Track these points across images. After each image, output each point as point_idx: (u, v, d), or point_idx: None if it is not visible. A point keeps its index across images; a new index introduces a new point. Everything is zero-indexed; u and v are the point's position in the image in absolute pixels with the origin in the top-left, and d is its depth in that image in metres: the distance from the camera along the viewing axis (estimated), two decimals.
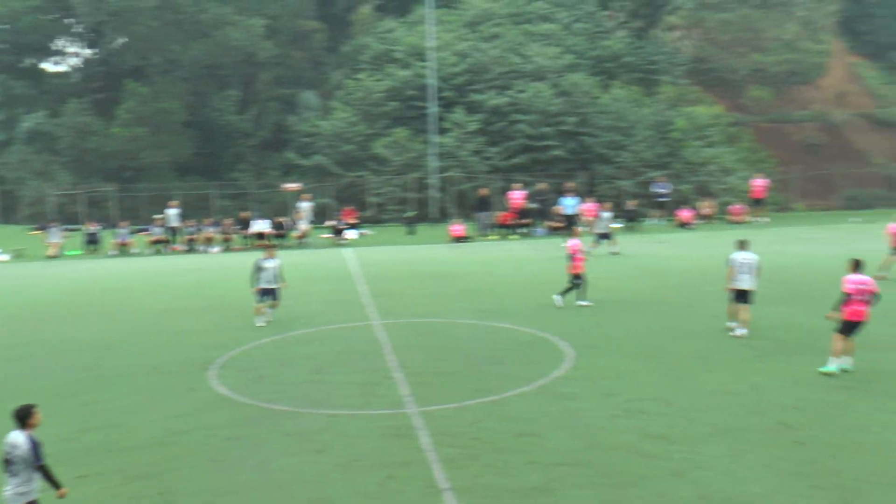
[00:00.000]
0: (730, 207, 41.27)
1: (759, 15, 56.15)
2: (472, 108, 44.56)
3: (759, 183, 41.03)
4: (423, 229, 39.25)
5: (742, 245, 18.86)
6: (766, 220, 40.04)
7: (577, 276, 21.84)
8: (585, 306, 21.57)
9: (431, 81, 43.62)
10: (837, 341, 15.49)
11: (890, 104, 53.52)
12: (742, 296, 18.46)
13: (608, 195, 40.59)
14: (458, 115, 44.21)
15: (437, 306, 22.37)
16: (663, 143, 44.70)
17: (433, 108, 43.49)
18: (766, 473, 11.11)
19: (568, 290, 21.88)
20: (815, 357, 16.38)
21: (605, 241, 31.16)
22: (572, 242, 22.13)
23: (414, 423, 13.11)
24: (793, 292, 22.54)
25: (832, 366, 15.37)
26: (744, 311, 18.52)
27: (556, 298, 21.79)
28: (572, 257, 21.86)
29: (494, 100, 44.29)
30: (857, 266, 15.75)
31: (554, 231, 37.00)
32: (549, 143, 43.41)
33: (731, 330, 18.60)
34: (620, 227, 33.73)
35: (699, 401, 14.05)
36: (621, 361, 16.51)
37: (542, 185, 39.71)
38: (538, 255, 31.68)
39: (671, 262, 28.66)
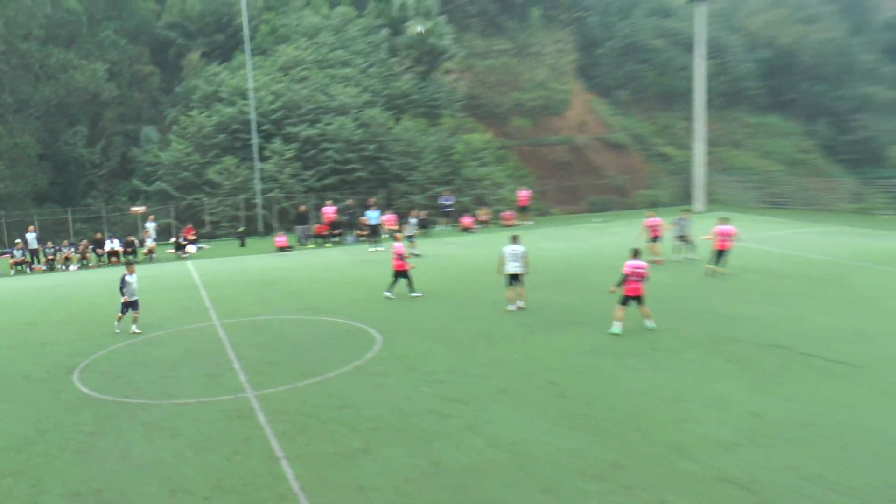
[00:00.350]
0: (502, 214, 42.43)
1: (517, 62, 58.25)
2: (288, 139, 43.84)
3: (523, 194, 42.46)
4: (252, 242, 38.26)
5: (514, 239, 19.73)
6: (531, 223, 41.45)
7: (402, 273, 21.81)
8: (390, 297, 21.66)
9: (253, 117, 42.71)
10: (619, 311, 16.62)
11: (616, 131, 56.69)
12: (514, 279, 19.38)
13: (405, 207, 40.94)
14: (277, 144, 43.42)
15: (267, 306, 21.81)
16: (447, 164, 45.48)
17: (255, 140, 42.58)
18: (539, 421, 11.53)
19: (410, 284, 21.81)
20: (574, 329, 17.16)
21: (410, 243, 31.43)
22: (397, 245, 22.17)
23: (252, 405, 12.87)
24: (554, 279, 23.33)
25: (616, 329, 16.44)
26: (518, 289, 19.46)
27: (412, 295, 21.68)
28: (397, 257, 21.86)
29: (306, 131, 43.72)
30: (636, 254, 16.95)
31: (361, 239, 36.97)
32: (354, 166, 43.28)
33: (513, 311, 19.31)
34: (416, 234, 34.02)
35: (484, 369, 14.40)
36: (421, 342, 16.70)
37: (349, 201, 39.60)
38: (350, 259, 31.52)
39: (458, 260, 29.24)
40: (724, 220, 23.56)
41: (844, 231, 32.99)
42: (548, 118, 55.90)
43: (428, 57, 50.90)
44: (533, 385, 13.28)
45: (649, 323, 16.72)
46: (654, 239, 26.08)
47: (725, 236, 22.93)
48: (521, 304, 19.45)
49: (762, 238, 30.55)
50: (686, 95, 52.99)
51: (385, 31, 52.39)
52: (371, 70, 49.72)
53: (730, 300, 19.59)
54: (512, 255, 19.23)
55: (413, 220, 32.54)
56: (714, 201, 45.66)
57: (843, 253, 26.61)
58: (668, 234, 26.68)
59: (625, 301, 16.64)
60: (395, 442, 11.00)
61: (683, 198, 46.25)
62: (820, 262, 25.20)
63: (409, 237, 31.81)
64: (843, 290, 20.46)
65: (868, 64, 69.81)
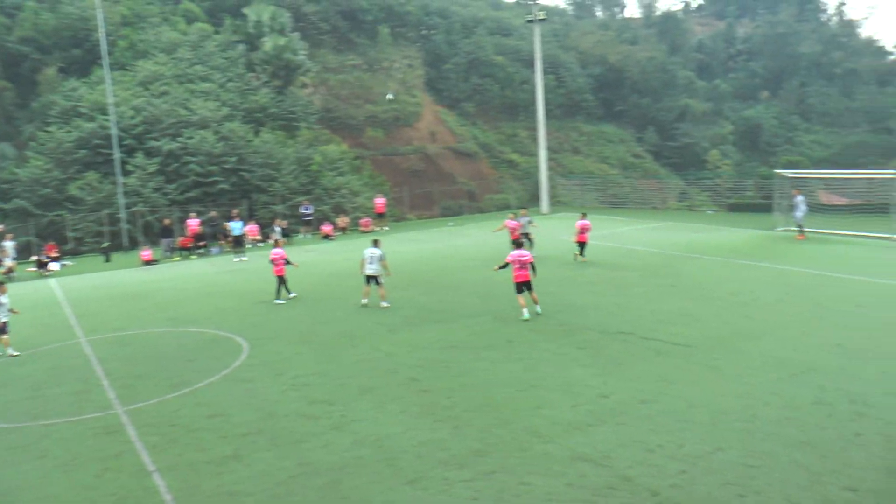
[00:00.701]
0: (360, 221, 42.33)
1: (368, 76, 58.29)
2: (150, 153, 41.93)
3: (379, 201, 42.57)
4: (117, 257, 36.29)
5: (375, 243, 20.17)
6: (387, 228, 41.55)
7: (280, 278, 21.58)
8: (291, 298, 21.66)
9: (114, 132, 40.52)
10: (519, 299, 17.38)
11: (465, 140, 57.74)
12: (372, 279, 19.86)
13: (267, 217, 40.12)
14: (139, 159, 41.42)
15: (134, 320, 20.75)
16: (305, 175, 44.87)
17: (117, 155, 40.42)
18: (402, 417, 11.62)
19: (278, 290, 21.60)
20: (433, 326, 17.38)
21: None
22: (276, 251, 21.81)
23: (122, 421, 12.30)
24: (412, 279, 23.49)
25: (525, 315, 17.21)
26: (380, 290, 19.84)
27: (276, 302, 21.38)
28: (275, 262, 21.53)
29: (168, 145, 41.98)
30: (518, 245, 18.17)
31: (226, 250, 35.93)
32: (216, 178, 41.95)
33: (366, 305, 19.76)
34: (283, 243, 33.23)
35: (348, 369, 14.37)
36: (286, 347, 16.47)
37: (213, 213, 38.38)
38: (215, 269, 30.52)
39: (319, 265, 28.90)
40: (584, 216, 25.96)
41: (675, 227, 35.04)
42: (400, 129, 56.26)
43: (284, 71, 50.21)
44: (395, 382, 13.36)
45: (538, 308, 17.54)
46: (515, 242, 26.66)
47: (584, 229, 25.25)
48: (384, 304, 19.68)
49: (604, 235, 31.83)
50: (528, 107, 54.90)
51: (241, 47, 51.33)
52: (229, 84, 48.61)
53: (578, 292, 20.44)
54: (370, 258, 19.65)
55: (278, 229, 31.96)
56: (558, 203, 47.35)
57: (674, 246, 28.31)
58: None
59: (519, 289, 17.43)
60: (265, 446, 10.81)
61: (530, 200, 47.62)
62: (655, 254, 26.69)
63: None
64: (675, 279, 21.80)
65: (685, 79, 74.98)
